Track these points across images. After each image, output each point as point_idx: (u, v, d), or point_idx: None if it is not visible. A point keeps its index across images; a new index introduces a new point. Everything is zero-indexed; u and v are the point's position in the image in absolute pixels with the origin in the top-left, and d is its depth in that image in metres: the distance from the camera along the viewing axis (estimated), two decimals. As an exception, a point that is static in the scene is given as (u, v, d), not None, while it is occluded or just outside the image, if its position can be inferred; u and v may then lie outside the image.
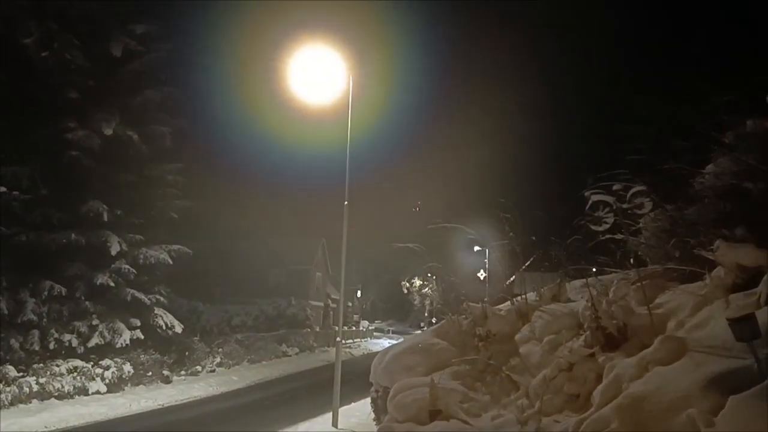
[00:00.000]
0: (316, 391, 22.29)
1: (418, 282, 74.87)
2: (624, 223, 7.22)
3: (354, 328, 55.66)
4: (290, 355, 34.75)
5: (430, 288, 73.23)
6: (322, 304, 49.02)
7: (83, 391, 18.93)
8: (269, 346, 33.28)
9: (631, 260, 7.27)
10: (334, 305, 49.99)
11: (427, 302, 72.08)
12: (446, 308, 9.75)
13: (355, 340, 50.08)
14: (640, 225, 7.48)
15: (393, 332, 65.94)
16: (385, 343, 53.41)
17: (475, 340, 7.84)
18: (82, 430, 15.25)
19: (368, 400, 19.98)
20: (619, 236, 7.45)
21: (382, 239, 53.90)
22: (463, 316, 8.68)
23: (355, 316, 61.03)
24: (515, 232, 8.07)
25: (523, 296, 8.39)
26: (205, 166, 30.79)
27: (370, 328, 62.48)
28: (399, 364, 8.14)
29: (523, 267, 9.63)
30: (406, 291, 77.13)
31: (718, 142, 6.68)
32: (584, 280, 8.34)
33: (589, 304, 6.36)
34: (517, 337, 7.73)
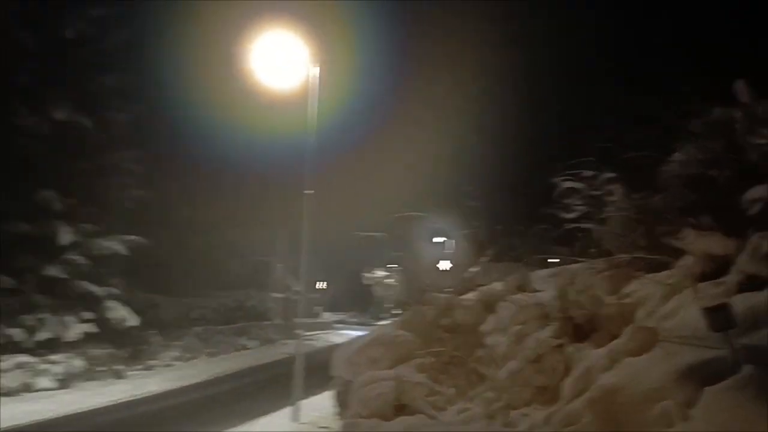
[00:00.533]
0: (277, 384, 21.85)
1: (380, 273, 74.68)
2: (591, 212, 7.12)
3: (316, 320, 55.25)
4: (250, 348, 34.14)
5: (393, 279, 73.24)
6: (283, 296, 48.38)
7: (30, 388, 18.11)
8: (229, 339, 32.67)
9: (594, 250, 7.17)
10: (296, 297, 49.43)
11: (390, 293, 72.06)
12: (410, 299, 9.59)
13: (316, 332, 49.65)
14: (607, 214, 7.37)
15: (355, 324, 65.56)
16: (348, 334, 53.05)
17: (440, 331, 7.67)
18: (28, 428, 14.60)
19: (330, 393, 19.71)
20: (585, 225, 7.35)
21: (346, 230, 53.60)
22: (428, 307, 8.51)
23: (316, 308, 60.53)
24: (481, 221, 7.91)
25: (489, 286, 8.26)
26: (164, 155, 29.87)
27: (332, 320, 62.14)
28: (363, 356, 7.94)
29: (487, 257, 9.51)
30: (368, 282, 76.85)
31: (685, 130, 6.61)
32: (550, 269, 8.26)
33: (557, 294, 6.23)
34: (482, 327, 7.59)
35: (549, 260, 7.88)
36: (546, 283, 8.16)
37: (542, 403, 5.57)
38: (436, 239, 45.64)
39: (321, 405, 16.68)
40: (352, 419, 6.39)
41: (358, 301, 79.21)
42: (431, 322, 8.02)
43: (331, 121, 23.51)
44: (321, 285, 68.46)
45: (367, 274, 76.98)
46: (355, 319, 69.47)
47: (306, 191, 16.87)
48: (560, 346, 5.87)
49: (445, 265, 46.08)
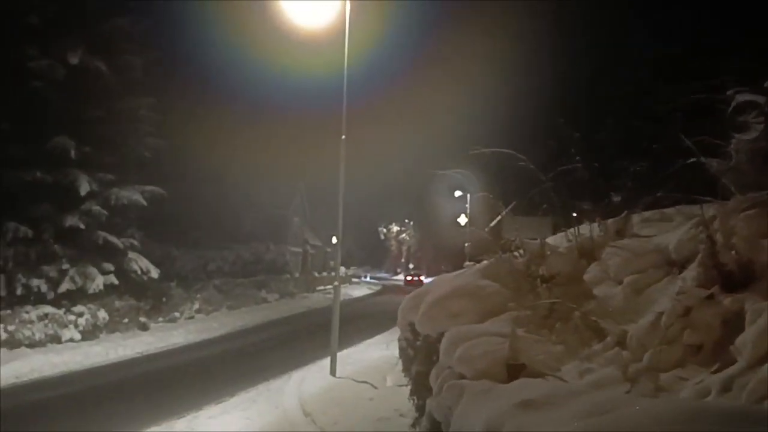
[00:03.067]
0: (301, 337, 21.44)
1: (395, 228, 74.11)
2: (714, 144, 6.03)
3: (333, 274, 54.92)
4: (270, 302, 33.76)
5: (408, 234, 72.75)
6: (300, 249, 47.82)
7: (56, 339, 17.60)
8: (248, 292, 32.25)
9: (727, 188, 6.07)
10: (313, 251, 48.94)
11: (405, 248, 71.56)
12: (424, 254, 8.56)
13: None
14: (731, 147, 6.27)
15: (371, 278, 65.37)
16: (364, 289, 52.66)
17: (537, 281, 6.69)
18: (56, 380, 13.96)
19: (357, 348, 19.04)
20: (702, 160, 6.25)
21: (374, 178, 52.18)
22: (512, 254, 7.54)
23: (331, 262, 60.19)
24: (582, 154, 6.79)
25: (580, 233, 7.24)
26: (180, 103, 28.80)
27: (347, 273, 61.92)
28: (443, 310, 6.97)
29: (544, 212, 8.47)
30: (383, 237, 76.36)
31: None
32: (655, 212, 7.27)
33: (703, 236, 5.22)
34: (586, 277, 6.61)
35: (657, 201, 6.83)
36: (651, 228, 7.15)
37: (699, 364, 4.60)
38: (456, 194, 44.64)
39: (351, 358, 16.09)
40: (452, 380, 5.46)
41: (371, 256, 78.94)
42: (521, 272, 7.04)
43: (365, 61, 22.20)
44: (335, 239, 67.88)
45: (381, 229, 76.50)
46: (369, 273, 69.33)
47: (342, 136, 15.90)
48: (711, 297, 4.88)
49: (462, 219, 45.37)
